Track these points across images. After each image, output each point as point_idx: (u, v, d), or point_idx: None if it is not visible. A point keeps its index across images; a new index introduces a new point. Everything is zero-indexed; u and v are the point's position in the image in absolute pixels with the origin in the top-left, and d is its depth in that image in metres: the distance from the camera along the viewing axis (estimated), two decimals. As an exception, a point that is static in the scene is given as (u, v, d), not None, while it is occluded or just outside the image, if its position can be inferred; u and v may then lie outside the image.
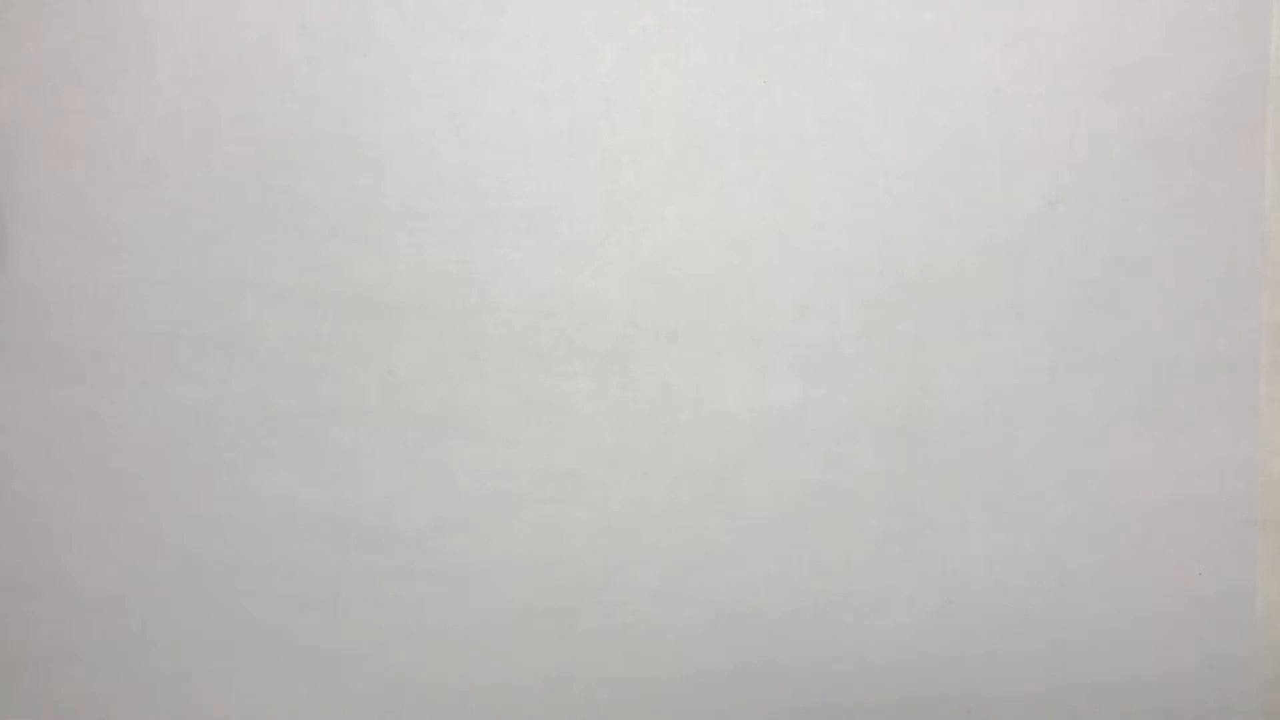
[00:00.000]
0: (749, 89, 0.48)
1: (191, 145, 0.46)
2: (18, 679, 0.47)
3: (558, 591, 0.49)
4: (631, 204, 0.48)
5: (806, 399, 0.49)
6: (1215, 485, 0.51)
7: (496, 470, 0.48)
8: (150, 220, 0.46)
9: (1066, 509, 0.50)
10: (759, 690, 0.50)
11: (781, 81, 0.48)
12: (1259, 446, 0.51)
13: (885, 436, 0.49)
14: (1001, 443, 0.50)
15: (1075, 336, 0.50)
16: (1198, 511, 0.51)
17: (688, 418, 0.48)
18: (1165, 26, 0.49)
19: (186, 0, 0.45)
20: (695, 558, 0.49)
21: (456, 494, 0.48)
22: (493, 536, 0.48)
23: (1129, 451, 0.50)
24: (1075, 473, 0.50)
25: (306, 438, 0.47)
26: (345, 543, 0.48)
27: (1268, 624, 0.51)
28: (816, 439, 0.49)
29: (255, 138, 0.46)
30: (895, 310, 0.49)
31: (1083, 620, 0.51)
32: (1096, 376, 0.50)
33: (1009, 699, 0.51)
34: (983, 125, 0.49)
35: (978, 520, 0.50)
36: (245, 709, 0.48)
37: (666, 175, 0.48)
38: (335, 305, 0.47)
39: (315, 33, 0.46)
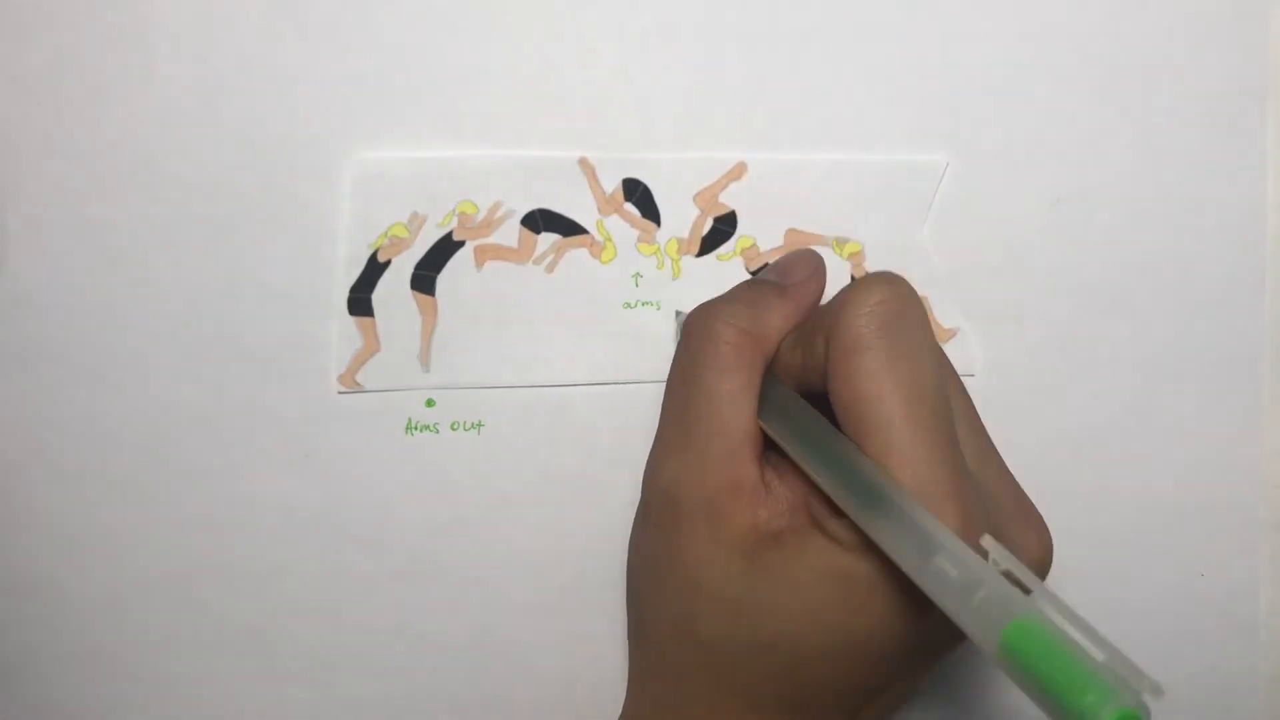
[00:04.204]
0: (749, 89, 0.48)
1: (191, 145, 0.46)
2: (18, 679, 0.47)
3: (558, 592, 0.49)
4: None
5: (806, 399, 0.49)
6: (1217, 486, 0.50)
7: (496, 470, 0.48)
8: (150, 220, 0.46)
9: (1066, 509, 0.50)
10: (759, 691, 0.50)
11: (781, 81, 0.48)
12: (1261, 447, 0.51)
13: (885, 437, 0.49)
14: (1002, 443, 0.50)
15: (1075, 336, 0.50)
16: (1199, 512, 0.51)
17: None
18: (1165, 27, 0.49)
19: (186, 0, 0.46)
20: (695, 558, 0.49)
21: (456, 494, 0.48)
22: (493, 536, 0.48)
23: (1130, 451, 0.50)
24: (1075, 473, 0.50)
25: (306, 438, 0.47)
26: (345, 543, 0.48)
27: (1270, 625, 0.51)
28: (816, 439, 0.49)
29: (255, 138, 0.46)
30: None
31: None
32: (1098, 376, 0.50)
33: (1009, 699, 0.51)
34: (984, 125, 0.49)
35: (978, 521, 0.50)
36: (245, 709, 0.48)
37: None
38: (334, 306, 0.47)
39: (315, 33, 0.46)
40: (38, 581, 0.47)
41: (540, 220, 0.47)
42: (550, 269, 0.48)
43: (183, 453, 0.47)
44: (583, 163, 0.47)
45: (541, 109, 0.47)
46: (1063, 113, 0.49)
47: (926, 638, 0.35)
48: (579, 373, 0.48)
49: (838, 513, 0.35)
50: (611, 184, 0.48)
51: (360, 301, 0.47)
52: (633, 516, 0.45)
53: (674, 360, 0.42)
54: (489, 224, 0.47)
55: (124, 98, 0.46)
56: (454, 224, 0.47)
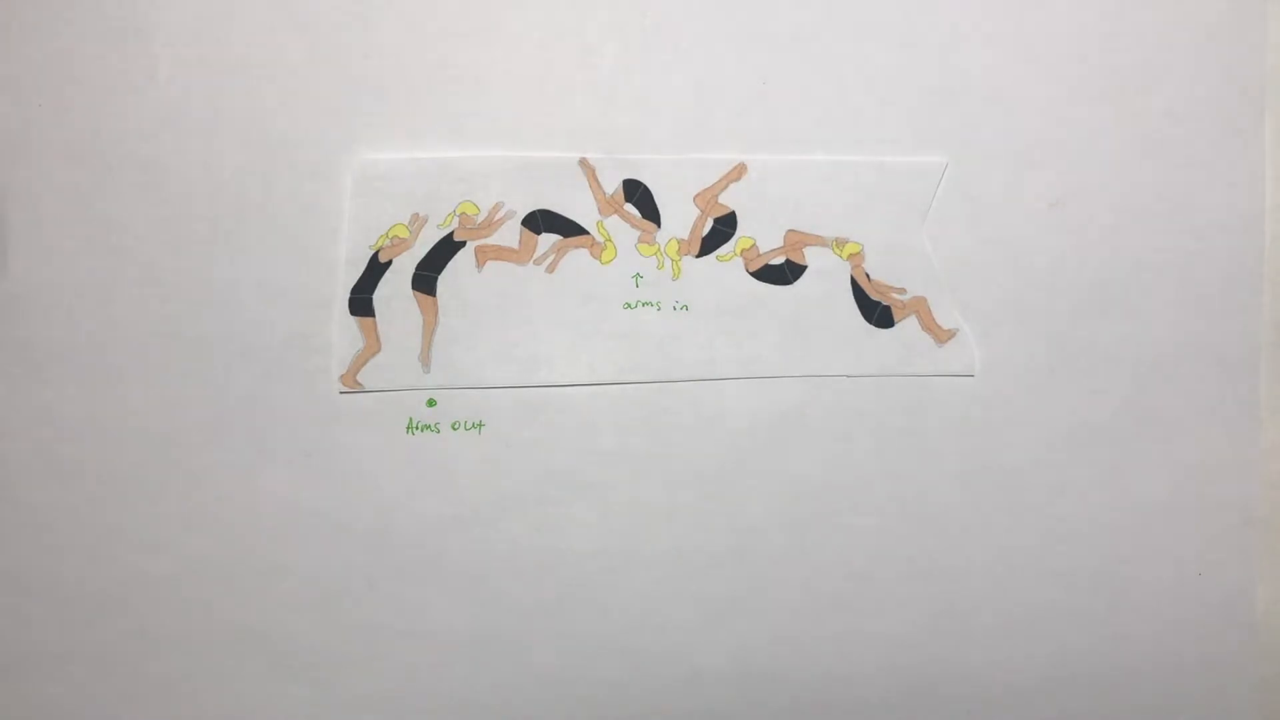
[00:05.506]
0: (749, 89, 0.48)
1: (193, 145, 0.46)
2: (18, 679, 0.47)
3: (558, 592, 0.49)
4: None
5: (806, 399, 0.49)
6: (1215, 485, 0.51)
7: (496, 470, 0.48)
8: (152, 220, 0.46)
9: (1066, 509, 0.50)
10: (759, 690, 0.50)
11: (781, 81, 0.48)
12: (1258, 447, 0.51)
13: (885, 436, 0.49)
14: (1002, 443, 0.50)
15: (1075, 336, 0.50)
16: (1197, 512, 0.51)
17: (688, 418, 0.49)
18: (1163, 29, 0.49)
19: (187, 1, 0.46)
20: (695, 558, 0.49)
21: (456, 494, 0.48)
22: (493, 536, 0.48)
23: (1129, 451, 0.50)
24: (1075, 473, 0.50)
25: (308, 437, 0.47)
26: (346, 542, 0.48)
27: (1266, 624, 0.51)
28: (816, 439, 0.49)
29: (256, 138, 0.46)
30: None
31: (1083, 620, 0.51)
32: (1096, 376, 0.50)
33: (1009, 699, 0.51)
34: (983, 126, 0.49)
35: (978, 520, 0.50)
36: (245, 709, 0.48)
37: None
38: (335, 307, 0.47)
39: (315, 33, 0.46)
40: (38, 581, 0.47)
41: (541, 221, 0.47)
42: (551, 269, 0.48)
43: (184, 452, 0.47)
44: (583, 163, 0.47)
45: (542, 110, 0.47)
46: (1061, 114, 0.49)
47: None
48: (579, 373, 0.48)
49: None
50: (612, 185, 0.48)
51: (361, 302, 0.47)
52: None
53: None
54: (490, 224, 0.47)
55: (124, 98, 0.46)
56: (455, 224, 0.47)
